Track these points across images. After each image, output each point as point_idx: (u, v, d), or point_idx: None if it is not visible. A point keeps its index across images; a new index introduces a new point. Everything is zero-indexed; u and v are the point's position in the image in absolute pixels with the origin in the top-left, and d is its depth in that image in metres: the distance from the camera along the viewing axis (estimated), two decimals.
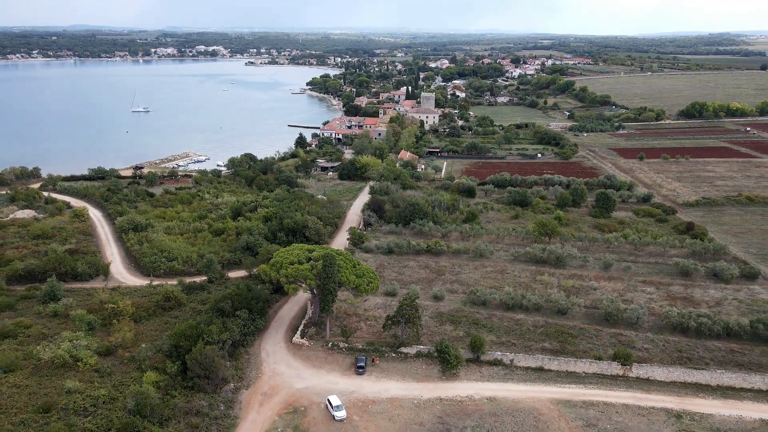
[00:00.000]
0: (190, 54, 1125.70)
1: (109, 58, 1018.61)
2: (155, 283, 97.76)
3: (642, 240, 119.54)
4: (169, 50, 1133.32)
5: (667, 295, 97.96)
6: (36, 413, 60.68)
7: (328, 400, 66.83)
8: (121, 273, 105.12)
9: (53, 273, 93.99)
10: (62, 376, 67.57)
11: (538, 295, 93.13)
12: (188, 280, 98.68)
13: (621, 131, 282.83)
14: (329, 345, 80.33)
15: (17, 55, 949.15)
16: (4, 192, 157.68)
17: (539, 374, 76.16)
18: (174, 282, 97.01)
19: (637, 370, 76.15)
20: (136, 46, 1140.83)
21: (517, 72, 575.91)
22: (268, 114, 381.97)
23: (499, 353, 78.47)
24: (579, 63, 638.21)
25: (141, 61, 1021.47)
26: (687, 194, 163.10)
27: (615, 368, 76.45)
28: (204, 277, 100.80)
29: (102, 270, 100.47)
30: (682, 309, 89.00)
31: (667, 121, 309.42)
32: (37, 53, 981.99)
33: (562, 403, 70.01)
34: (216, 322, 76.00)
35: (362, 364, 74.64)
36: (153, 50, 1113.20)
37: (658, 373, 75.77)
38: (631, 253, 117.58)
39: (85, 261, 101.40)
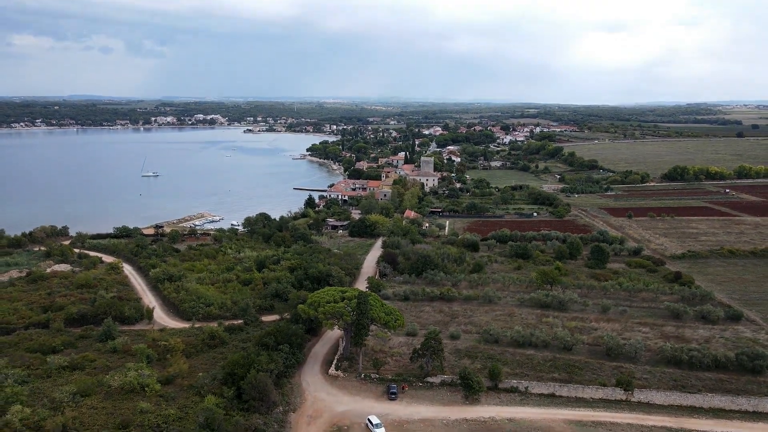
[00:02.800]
0: (189, 122, 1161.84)
1: (111, 126, 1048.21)
2: (197, 325, 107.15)
3: (635, 287, 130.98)
4: (169, 119, 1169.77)
5: (661, 335, 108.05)
6: (116, 429, 69.10)
7: (369, 420, 75.67)
8: (162, 318, 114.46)
9: (106, 316, 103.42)
10: (132, 400, 76.11)
11: (545, 334, 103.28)
12: (226, 323, 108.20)
13: (609, 192, 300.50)
14: (362, 376, 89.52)
15: (21, 123, 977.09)
16: (37, 248, 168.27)
17: (551, 399, 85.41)
18: (214, 324, 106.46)
19: (638, 395, 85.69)
20: (136, 115, 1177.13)
21: (507, 138, 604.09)
22: (273, 178, 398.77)
23: (514, 381, 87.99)
24: (565, 130, 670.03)
25: (142, 129, 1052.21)
26: (674, 248, 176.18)
27: (618, 393, 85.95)
28: (239, 321, 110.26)
29: (147, 314, 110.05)
30: (675, 344, 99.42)
31: (652, 184, 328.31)
32: (40, 122, 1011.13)
33: (574, 423, 79.07)
34: (263, 354, 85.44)
35: (394, 390, 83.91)
36: (153, 119, 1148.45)
37: (657, 397, 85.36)
38: (626, 298, 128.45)
39: (130, 306, 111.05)
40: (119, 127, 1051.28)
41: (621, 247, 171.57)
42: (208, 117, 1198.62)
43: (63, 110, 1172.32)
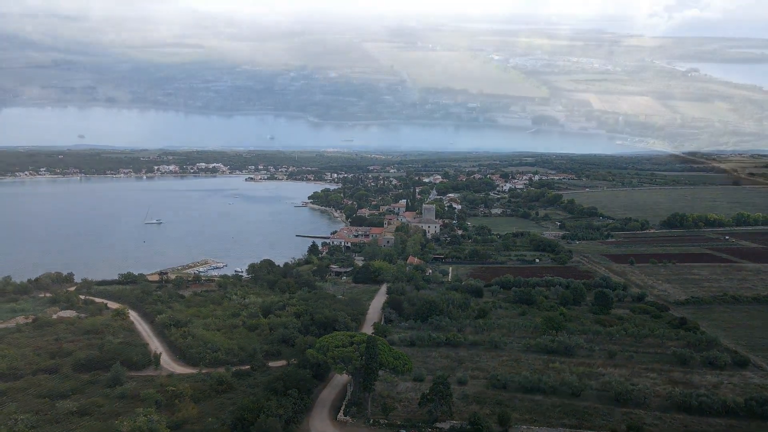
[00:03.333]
0: (191, 171, 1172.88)
1: (114, 174, 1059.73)
2: (204, 371, 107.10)
3: (641, 332, 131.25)
4: (171, 167, 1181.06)
5: (669, 380, 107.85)
6: None
7: None
8: (169, 363, 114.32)
9: (114, 361, 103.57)
10: None
11: (553, 379, 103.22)
12: (233, 368, 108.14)
13: (610, 239, 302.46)
14: (371, 422, 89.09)
15: (25, 172, 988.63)
16: (42, 295, 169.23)
17: None
18: (221, 370, 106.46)
19: None
20: (139, 164, 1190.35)
21: (507, 186, 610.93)
22: (275, 225, 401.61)
23: (524, 427, 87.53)
24: (564, 178, 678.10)
25: (144, 177, 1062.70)
26: (677, 294, 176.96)
27: None
28: (246, 366, 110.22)
29: (154, 360, 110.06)
30: (684, 390, 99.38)
31: (652, 231, 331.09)
32: (44, 170, 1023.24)
33: None
34: (272, 399, 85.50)
35: None
36: (156, 167, 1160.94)
37: None
38: (631, 344, 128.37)
39: (138, 351, 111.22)
40: (122, 175, 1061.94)
41: (624, 293, 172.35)
42: (210, 165, 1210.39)
43: (67, 159, 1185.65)
